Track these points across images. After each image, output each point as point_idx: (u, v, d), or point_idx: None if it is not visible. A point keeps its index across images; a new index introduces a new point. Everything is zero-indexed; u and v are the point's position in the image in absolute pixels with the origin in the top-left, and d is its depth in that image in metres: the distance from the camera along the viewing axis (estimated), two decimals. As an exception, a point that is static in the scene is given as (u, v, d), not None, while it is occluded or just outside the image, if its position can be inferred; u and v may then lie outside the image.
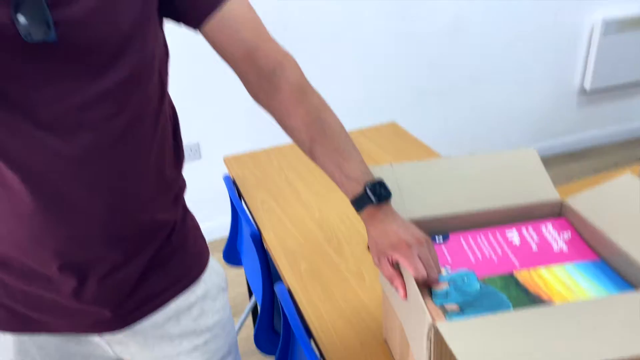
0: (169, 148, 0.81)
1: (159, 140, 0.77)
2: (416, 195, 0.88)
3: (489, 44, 2.64)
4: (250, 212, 1.37)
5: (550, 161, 2.94)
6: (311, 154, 0.81)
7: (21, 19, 0.59)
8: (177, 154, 0.84)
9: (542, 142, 2.99)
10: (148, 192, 0.77)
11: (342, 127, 0.81)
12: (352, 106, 2.21)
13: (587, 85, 2.88)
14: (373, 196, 0.76)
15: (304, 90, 0.80)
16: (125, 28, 0.66)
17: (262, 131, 1.89)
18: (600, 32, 2.73)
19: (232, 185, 1.47)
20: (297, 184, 1.46)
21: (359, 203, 0.78)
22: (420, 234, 0.76)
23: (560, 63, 2.84)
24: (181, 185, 0.86)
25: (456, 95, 2.70)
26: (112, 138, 0.70)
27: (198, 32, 0.78)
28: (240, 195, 1.46)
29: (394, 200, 0.79)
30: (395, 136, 1.66)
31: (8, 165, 0.66)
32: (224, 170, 1.59)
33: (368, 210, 0.77)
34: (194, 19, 0.75)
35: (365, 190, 0.76)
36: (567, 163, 2.94)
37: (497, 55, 2.68)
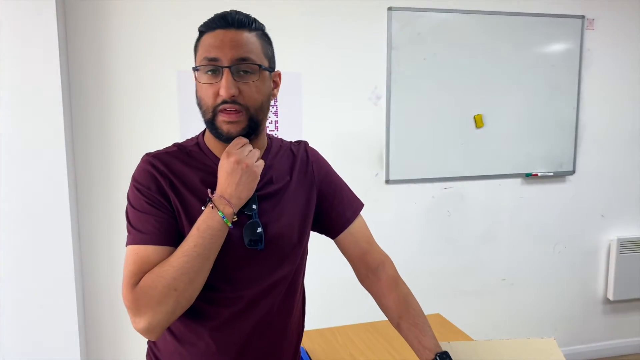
0: (300, 313, 1.20)
1: (300, 306, 1.20)
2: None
3: (517, 253, 3.03)
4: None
5: (581, 365, 3.08)
6: (397, 326, 1.17)
7: (246, 236, 1.04)
8: (302, 320, 1.22)
9: (570, 346, 3.18)
10: (289, 346, 1.16)
11: (421, 309, 1.19)
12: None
13: (610, 296, 3.16)
14: None
15: (397, 281, 1.22)
16: (296, 239, 1.12)
17: (328, 313, 2.24)
18: (616, 249, 3.11)
19: (306, 355, 1.77)
20: (359, 357, 1.75)
21: None
22: None
23: (585, 274, 3.16)
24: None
25: (489, 294, 3.02)
26: (278, 305, 1.11)
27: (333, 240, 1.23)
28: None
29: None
30: (440, 326, 1.97)
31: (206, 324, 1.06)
32: (295, 342, 1.90)
33: None
34: (334, 232, 1.21)
35: (435, 357, 1.10)
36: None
37: (525, 262, 3.05)
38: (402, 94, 2.73)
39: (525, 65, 2.87)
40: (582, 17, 2.91)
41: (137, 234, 1.01)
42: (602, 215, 3.14)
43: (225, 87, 0.98)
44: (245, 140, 1.03)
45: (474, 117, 2.84)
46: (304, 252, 1.19)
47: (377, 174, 2.77)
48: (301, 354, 1.79)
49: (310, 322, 2.02)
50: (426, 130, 2.79)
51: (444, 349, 1.14)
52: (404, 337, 1.17)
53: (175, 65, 2.42)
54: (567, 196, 3.07)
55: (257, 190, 1.07)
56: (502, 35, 2.82)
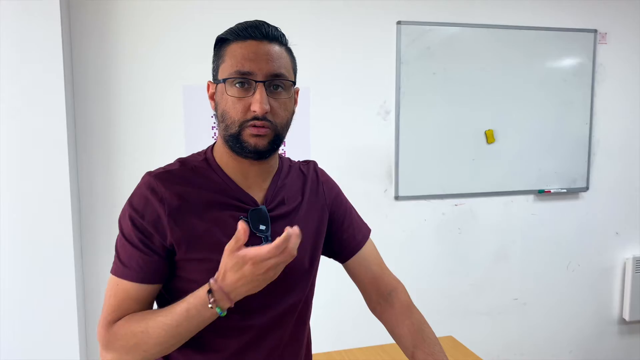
0: (308, 343, 1.14)
1: (308, 331, 1.14)
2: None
3: (530, 272, 2.96)
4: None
5: (598, 389, 2.98)
6: (412, 356, 1.10)
7: None
8: (310, 350, 1.17)
9: (588, 368, 3.08)
10: None
11: (436, 337, 1.12)
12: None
13: (627, 316, 3.07)
14: None
15: (410, 308, 1.15)
16: (308, 264, 1.06)
17: (337, 335, 2.16)
18: (632, 268, 3.02)
19: (314, 380, 1.70)
20: (370, 384, 1.68)
21: None
22: None
23: (599, 293, 3.08)
24: None
25: (502, 314, 2.94)
26: (289, 336, 1.06)
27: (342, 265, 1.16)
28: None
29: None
30: (453, 349, 1.89)
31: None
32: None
33: None
34: (344, 257, 1.15)
35: None
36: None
37: (538, 281, 2.97)
38: (411, 108, 2.68)
39: (537, 80, 2.82)
40: (595, 31, 2.86)
41: (121, 267, 0.97)
42: (617, 233, 3.06)
43: (260, 102, 0.93)
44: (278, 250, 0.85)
45: (485, 132, 2.78)
46: (314, 279, 1.13)
47: (386, 190, 2.71)
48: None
49: (319, 345, 1.95)
50: (436, 146, 2.73)
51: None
52: None
53: (181, 80, 2.39)
54: (580, 213, 2.99)
55: (269, 211, 1.02)
56: (512, 49, 2.77)
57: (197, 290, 0.90)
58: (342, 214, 1.17)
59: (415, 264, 2.79)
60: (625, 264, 3.07)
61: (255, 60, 0.94)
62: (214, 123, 2.43)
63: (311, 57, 2.53)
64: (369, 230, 1.22)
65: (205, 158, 1.05)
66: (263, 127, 0.95)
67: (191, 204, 0.98)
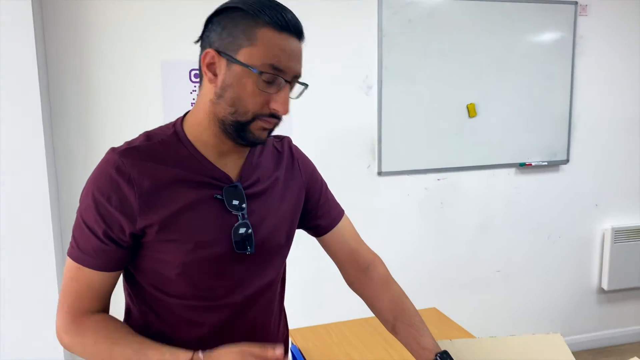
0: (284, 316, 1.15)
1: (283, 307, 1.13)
2: (470, 365, 1.13)
3: (512, 244, 2.99)
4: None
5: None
6: (393, 329, 1.10)
7: (236, 240, 0.96)
8: (286, 321, 1.17)
9: (565, 336, 3.15)
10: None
11: (415, 309, 1.12)
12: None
13: (605, 286, 3.14)
14: None
15: (389, 280, 1.15)
16: (284, 240, 1.05)
17: (322, 309, 2.17)
18: (611, 239, 3.08)
19: (300, 354, 1.70)
20: (355, 356, 1.69)
21: None
22: None
23: (579, 263, 3.14)
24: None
25: (484, 286, 2.98)
26: (266, 313, 1.05)
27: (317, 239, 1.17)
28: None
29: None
30: (437, 320, 1.91)
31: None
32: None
33: None
34: (321, 231, 1.15)
35: (436, 358, 1.03)
36: None
37: (520, 253, 3.01)
38: (393, 83, 2.66)
39: (519, 53, 2.82)
40: (575, 2, 2.86)
41: (78, 251, 0.93)
42: (596, 205, 3.11)
43: (284, 104, 0.90)
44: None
45: (467, 106, 2.78)
46: (287, 256, 1.13)
47: (369, 166, 2.71)
48: (294, 354, 1.73)
49: (304, 319, 1.96)
50: (419, 120, 2.73)
51: (446, 347, 1.07)
52: (400, 339, 1.10)
53: (159, 54, 2.33)
54: (561, 186, 3.03)
55: (244, 188, 0.99)
56: (494, 22, 2.75)
57: (177, 351, 0.88)
58: (318, 190, 1.16)
59: (399, 239, 2.80)
60: (604, 234, 3.12)
61: (290, 59, 0.90)
62: (194, 100, 2.39)
63: (291, 31, 2.49)
64: (342, 209, 1.22)
65: (174, 131, 0.97)
66: (276, 123, 0.94)
67: (162, 183, 0.92)
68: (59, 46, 2.24)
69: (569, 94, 2.93)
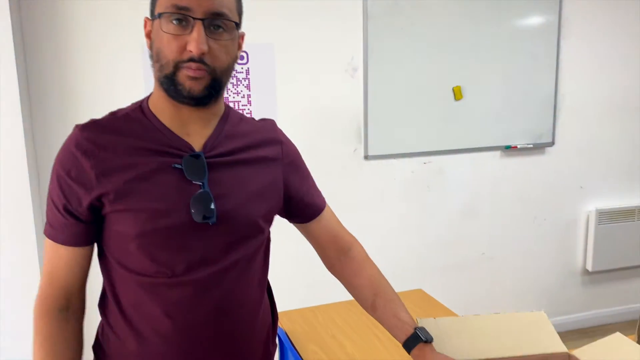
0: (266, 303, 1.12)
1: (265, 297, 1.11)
2: (453, 342, 1.13)
3: (497, 227, 3.01)
4: (302, 361, 1.58)
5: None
6: (372, 305, 1.10)
7: (197, 210, 0.93)
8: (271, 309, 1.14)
9: (550, 317, 3.18)
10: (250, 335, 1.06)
11: (393, 288, 1.13)
12: (384, 275, 2.51)
13: (589, 267, 3.17)
14: (424, 336, 1.02)
15: (368, 260, 1.17)
16: (254, 217, 1.00)
17: (309, 292, 2.17)
18: (595, 220, 3.11)
19: (286, 337, 1.70)
20: (341, 338, 1.69)
21: (412, 341, 1.04)
22: None
23: (564, 245, 3.17)
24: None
25: (470, 268, 3.00)
26: (237, 292, 1.00)
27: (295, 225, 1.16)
28: (293, 346, 1.68)
29: (439, 344, 1.05)
30: (423, 301, 1.92)
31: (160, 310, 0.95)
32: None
33: (418, 347, 1.03)
34: (306, 218, 1.14)
35: (415, 332, 1.03)
36: (573, 340, 3.07)
37: (505, 235, 3.03)
38: (379, 65, 2.64)
39: (504, 36, 2.81)
40: (561, -15, 2.85)
41: (47, 225, 0.97)
42: (581, 187, 3.13)
43: (197, 42, 0.87)
44: None
45: (453, 89, 2.77)
46: (266, 241, 1.08)
47: (355, 150, 2.69)
48: (280, 337, 1.73)
49: (291, 302, 1.95)
50: (405, 103, 2.71)
51: (430, 325, 1.08)
52: (378, 315, 1.10)
53: (141, 36, 2.29)
54: (546, 168, 3.04)
55: (209, 157, 0.96)
56: (479, 5, 2.74)
57: None
58: (302, 177, 1.13)
59: (385, 222, 2.80)
60: (588, 216, 3.14)
61: None
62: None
63: (276, 13, 2.46)
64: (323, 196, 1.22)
65: (139, 106, 0.99)
66: (199, 69, 0.89)
67: (119, 153, 0.92)
68: (37, 30, 2.19)
69: (554, 76, 2.93)
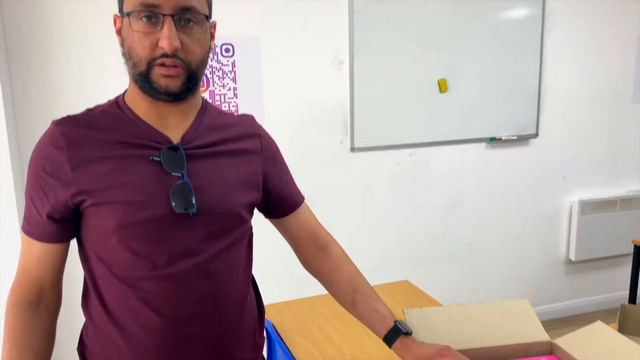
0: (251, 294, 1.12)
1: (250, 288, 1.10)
2: (438, 332, 1.15)
3: (482, 217, 3.04)
4: (290, 353, 1.59)
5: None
6: (352, 301, 1.10)
7: (176, 200, 0.93)
8: (255, 303, 1.14)
9: (534, 307, 3.24)
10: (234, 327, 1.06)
11: (369, 283, 1.14)
12: (370, 267, 2.52)
13: (572, 257, 3.22)
14: (404, 329, 1.04)
15: (346, 256, 1.17)
16: (235, 208, 1.01)
17: (297, 284, 2.18)
18: (578, 211, 3.15)
19: (273, 329, 1.71)
20: (328, 329, 1.70)
21: (393, 334, 1.05)
22: (443, 345, 1.02)
23: (548, 235, 3.21)
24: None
25: (456, 260, 3.03)
26: (222, 284, 1.00)
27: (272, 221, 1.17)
28: (280, 338, 1.69)
29: (425, 334, 1.07)
30: (409, 292, 1.94)
31: (145, 302, 0.95)
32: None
33: (400, 339, 1.04)
34: (283, 212, 1.15)
35: (396, 324, 1.05)
36: (556, 329, 3.12)
37: (490, 226, 3.07)
38: (365, 58, 2.65)
39: (489, 28, 2.83)
40: (545, -23, 2.87)
41: (25, 222, 0.98)
42: (564, 178, 3.17)
43: (168, 38, 0.86)
44: None
45: (438, 81, 2.79)
46: (248, 231, 1.08)
47: (342, 142, 2.70)
48: (267, 329, 1.74)
49: (278, 295, 1.96)
50: (391, 96, 2.72)
51: (415, 315, 1.10)
52: (358, 311, 1.10)
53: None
54: (530, 159, 3.08)
55: (187, 149, 0.96)
56: (465, -4, 2.75)
57: None
58: (280, 171, 1.14)
59: (372, 213, 2.82)
60: (571, 206, 3.19)
61: None
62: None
63: (262, 5, 2.45)
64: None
65: (115, 102, 0.99)
66: (174, 66, 0.88)
67: (95, 146, 0.92)
68: (20, 29, 2.16)
69: (538, 68, 2.96)
